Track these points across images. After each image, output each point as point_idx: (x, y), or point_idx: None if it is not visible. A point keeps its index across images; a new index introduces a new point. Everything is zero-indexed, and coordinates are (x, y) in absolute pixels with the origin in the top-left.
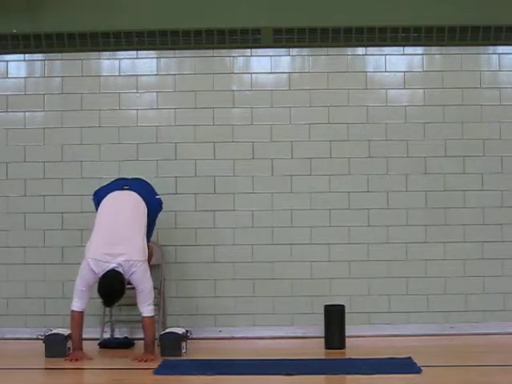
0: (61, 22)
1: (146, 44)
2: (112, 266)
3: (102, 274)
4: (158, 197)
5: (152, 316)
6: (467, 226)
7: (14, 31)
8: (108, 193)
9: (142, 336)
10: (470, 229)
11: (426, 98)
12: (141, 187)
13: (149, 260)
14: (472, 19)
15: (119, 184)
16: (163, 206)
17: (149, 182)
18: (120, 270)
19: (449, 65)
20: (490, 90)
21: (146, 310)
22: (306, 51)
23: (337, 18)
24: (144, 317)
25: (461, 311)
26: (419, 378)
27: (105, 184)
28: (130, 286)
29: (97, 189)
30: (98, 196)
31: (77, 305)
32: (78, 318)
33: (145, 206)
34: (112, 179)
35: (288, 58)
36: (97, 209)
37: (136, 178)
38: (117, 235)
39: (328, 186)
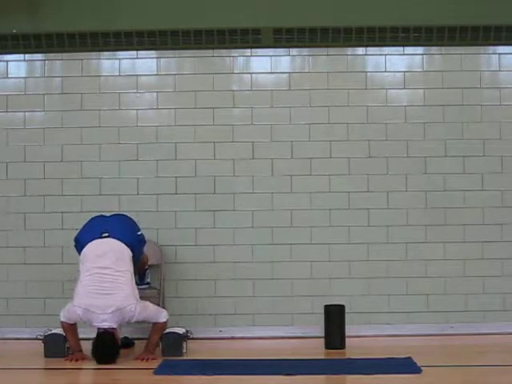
0: (61, 22)
1: (146, 44)
2: (102, 317)
3: (91, 323)
4: (139, 233)
5: (165, 321)
6: (467, 226)
7: (14, 31)
8: (89, 240)
9: (141, 336)
10: (470, 229)
11: (426, 98)
12: (121, 231)
13: (142, 267)
14: (472, 19)
15: (98, 229)
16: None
17: (129, 216)
18: (111, 324)
19: (449, 65)
20: (489, 90)
21: (161, 317)
22: (305, 51)
23: (337, 18)
24: (157, 322)
25: (461, 311)
26: (419, 378)
27: (83, 227)
28: None
29: (76, 235)
30: (80, 244)
31: (65, 318)
32: (69, 328)
33: (128, 251)
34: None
35: (288, 57)
36: (79, 253)
37: (115, 217)
38: (104, 286)
39: (328, 186)
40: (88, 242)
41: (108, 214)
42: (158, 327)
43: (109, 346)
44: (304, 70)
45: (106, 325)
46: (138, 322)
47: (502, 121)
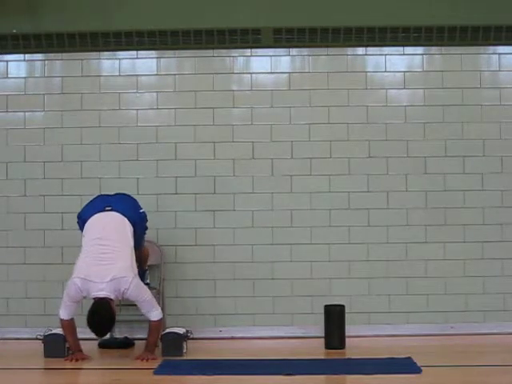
0: (61, 22)
1: (146, 44)
2: (99, 286)
3: (89, 294)
4: (141, 211)
5: (160, 319)
6: (467, 226)
7: (14, 31)
8: (92, 214)
9: (141, 336)
10: (469, 229)
11: (426, 98)
12: (123, 206)
13: (144, 263)
14: (472, 19)
15: (101, 204)
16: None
17: (131, 195)
18: (108, 293)
19: (449, 65)
20: (489, 90)
21: (154, 315)
22: (305, 51)
23: (337, 18)
24: (151, 321)
25: (461, 311)
26: (419, 378)
27: (86, 204)
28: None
29: (80, 211)
30: (83, 218)
31: (64, 314)
32: (68, 326)
33: (130, 225)
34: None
35: (288, 57)
36: (82, 230)
37: (118, 195)
38: (103, 256)
39: (328, 186)
40: (91, 216)
41: (111, 193)
42: (153, 326)
43: (104, 314)
44: (304, 70)
45: (102, 294)
46: (137, 321)
47: (502, 121)
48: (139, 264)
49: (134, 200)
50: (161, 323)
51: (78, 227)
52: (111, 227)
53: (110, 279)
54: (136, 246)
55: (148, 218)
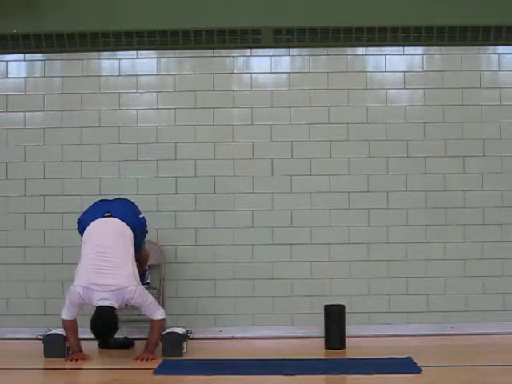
0: (61, 22)
1: (146, 44)
2: (103, 295)
3: (91, 302)
4: (141, 216)
5: (162, 319)
6: (467, 226)
7: (14, 31)
8: (91, 221)
9: (141, 336)
10: (469, 229)
11: (426, 98)
12: (123, 212)
13: (144, 263)
14: (472, 19)
15: (101, 210)
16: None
17: (131, 200)
18: (111, 302)
19: (449, 65)
20: (489, 90)
21: (158, 314)
22: (305, 51)
23: (337, 18)
24: (154, 320)
25: (461, 311)
26: (419, 378)
27: (86, 209)
28: None
29: (79, 217)
30: (82, 225)
31: (67, 315)
32: (70, 326)
33: (130, 231)
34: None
35: (288, 57)
36: (82, 235)
37: (117, 200)
38: (105, 265)
39: (328, 186)
40: (90, 222)
41: (110, 198)
42: (156, 325)
43: (107, 320)
44: (304, 70)
45: (106, 303)
46: (137, 321)
47: (502, 121)
48: (139, 264)
49: (134, 205)
50: (163, 323)
51: (78, 227)
52: (112, 234)
53: (113, 289)
54: (136, 250)
55: (148, 218)
